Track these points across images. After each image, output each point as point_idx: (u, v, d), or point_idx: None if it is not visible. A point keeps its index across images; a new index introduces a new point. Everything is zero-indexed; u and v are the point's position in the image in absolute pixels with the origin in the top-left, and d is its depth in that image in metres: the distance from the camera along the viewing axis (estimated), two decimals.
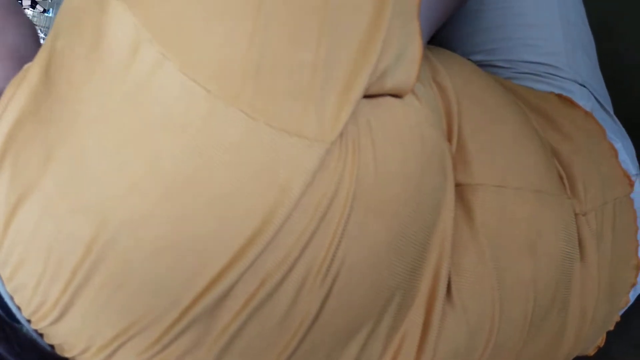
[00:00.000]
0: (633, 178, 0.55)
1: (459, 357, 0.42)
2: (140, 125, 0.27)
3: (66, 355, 0.35)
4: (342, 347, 0.36)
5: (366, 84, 0.30)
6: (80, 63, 0.28)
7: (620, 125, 0.59)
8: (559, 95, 0.55)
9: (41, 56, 0.30)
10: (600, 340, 0.59)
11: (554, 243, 0.45)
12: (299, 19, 0.28)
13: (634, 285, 0.57)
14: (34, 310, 0.33)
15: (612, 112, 0.59)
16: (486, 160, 0.42)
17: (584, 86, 0.57)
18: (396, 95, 0.34)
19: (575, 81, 0.57)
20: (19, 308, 0.33)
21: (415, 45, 0.33)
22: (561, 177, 0.49)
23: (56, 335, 0.34)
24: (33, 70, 0.30)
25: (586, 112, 0.54)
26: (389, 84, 0.33)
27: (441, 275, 0.39)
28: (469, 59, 0.56)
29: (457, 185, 0.42)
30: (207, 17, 0.27)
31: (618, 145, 0.55)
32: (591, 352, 0.60)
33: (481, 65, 0.61)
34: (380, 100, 0.33)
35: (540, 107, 0.52)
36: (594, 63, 0.60)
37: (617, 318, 0.58)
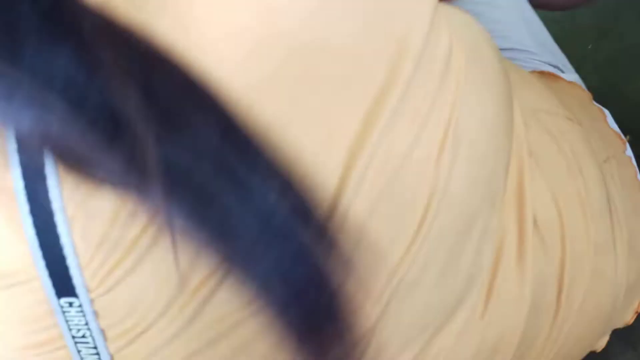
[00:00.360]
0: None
1: (541, 284, 0.42)
2: None
3: (124, 333, 0.31)
4: (463, 239, 0.34)
5: None
6: None
7: None
8: (541, 72, 0.60)
9: None
10: (638, 305, 0.59)
11: (592, 167, 0.47)
12: None
13: None
14: (106, 256, 0.29)
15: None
16: (515, 89, 0.43)
17: (557, 67, 0.62)
18: None
19: (549, 63, 0.62)
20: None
21: None
22: None
23: (118, 301, 0.30)
24: None
25: (570, 82, 0.59)
26: None
27: (525, 181, 0.39)
28: None
29: None
30: None
31: (605, 111, 0.60)
32: (630, 319, 0.60)
33: None
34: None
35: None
36: (557, 51, 0.66)
37: None
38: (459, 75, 0.31)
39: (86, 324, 0.31)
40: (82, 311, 0.30)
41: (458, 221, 0.33)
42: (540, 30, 0.65)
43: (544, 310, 0.44)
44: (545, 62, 0.62)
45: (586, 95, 0.58)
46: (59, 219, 0.28)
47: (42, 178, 0.27)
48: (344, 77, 0.28)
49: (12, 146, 0.27)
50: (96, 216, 0.28)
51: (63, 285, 0.29)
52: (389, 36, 0.28)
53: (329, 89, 0.28)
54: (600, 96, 0.62)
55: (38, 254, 0.28)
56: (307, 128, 0.28)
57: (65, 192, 0.28)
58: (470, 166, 0.33)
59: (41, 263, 0.29)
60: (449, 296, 0.36)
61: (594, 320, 0.50)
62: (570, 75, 0.61)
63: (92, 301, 0.30)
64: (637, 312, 0.60)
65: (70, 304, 0.30)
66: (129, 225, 0.28)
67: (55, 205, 0.28)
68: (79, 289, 0.29)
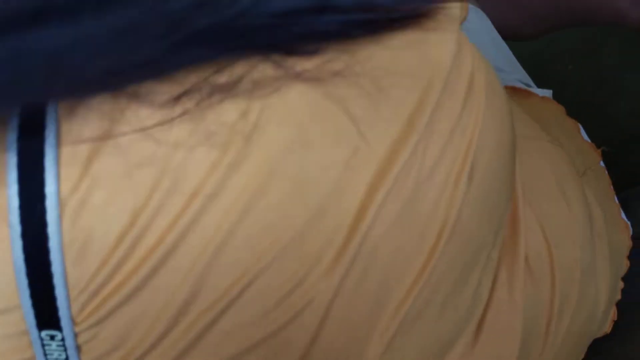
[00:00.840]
0: None
1: (531, 316, 0.42)
2: None
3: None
4: (468, 271, 0.34)
5: None
6: None
7: None
8: (512, 88, 0.61)
9: None
10: (613, 314, 0.61)
11: (575, 189, 0.47)
12: None
13: (629, 247, 0.60)
14: (103, 282, 0.26)
15: None
16: None
17: (528, 85, 0.64)
18: None
19: (520, 80, 0.64)
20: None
21: None
22: None
23: (107, 332, 0.27)
24: None
25: (542, 97, 0.62)
26: None
27: (519, 211, 0.40)
28: None
29: None
30: None
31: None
32: (608, 328, 0.61)
33: None
34: None
35: None
36: (523, 70, 0.68)
37: (621, 285, 0.60)
38: (481, 95, 0.30)
39: (66, 358, 0.28)
40: (63, 345, 0.27)
41: (466, 252, 0.32)
42: (507, 50, 0.67)
43: (533, 340, 0.44)
44: (517, 80, 0.64)
45: (559, 108, 0.60)
46: (53, 244, 0.25)
47: (41, 197, 0.25)
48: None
49: (12, 159, 0.25)
50: (98, 240, 0.25)
51: (47, 317, 0.27)
52: (425, 60, 0.28)
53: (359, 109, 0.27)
54: (582, 116, 0.63)
55: (24, 282, 0.26)
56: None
57: (66, 212, 0.25)
58: (483, 194, 0.31)
59: (26, 292, 0.26)
60: (448, 332, 0.35)
61: (580, 339, 0.51)
62: (541, 90, 0.64)
63: (76, 335, 0.27)
64: (613, 320, 0.62)
65: (52, 337, 0.27)
66: (136, 245, 0.25)
67: (51, 228, 0.25)
68: (64, 322, 0.27)
